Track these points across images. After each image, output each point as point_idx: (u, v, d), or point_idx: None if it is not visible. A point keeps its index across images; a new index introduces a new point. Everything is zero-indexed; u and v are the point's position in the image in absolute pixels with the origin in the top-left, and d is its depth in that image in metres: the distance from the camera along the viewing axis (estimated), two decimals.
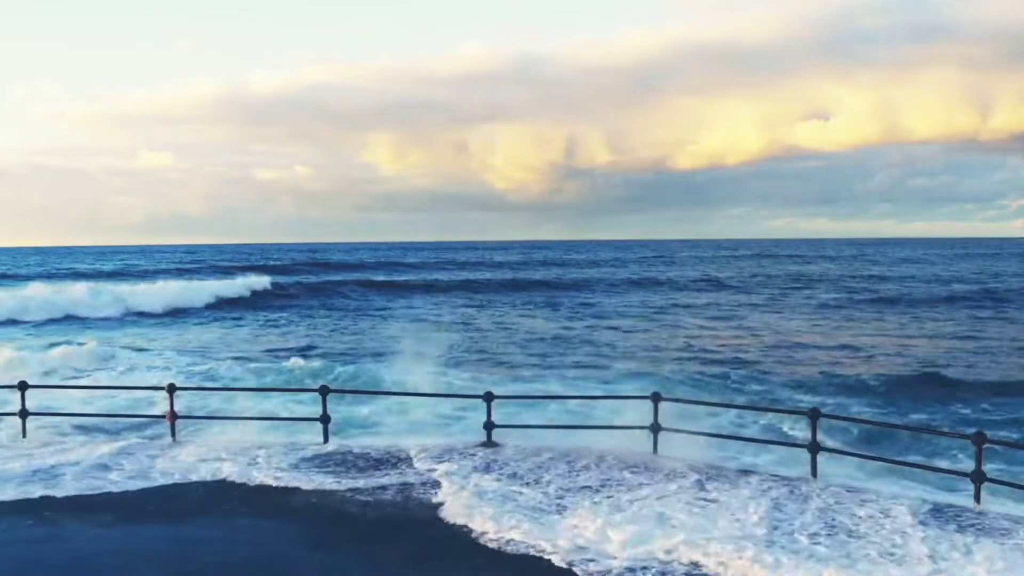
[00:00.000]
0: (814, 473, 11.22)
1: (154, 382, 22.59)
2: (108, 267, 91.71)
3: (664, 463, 11.95)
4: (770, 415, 17.93)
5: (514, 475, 11.36)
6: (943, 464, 13.89)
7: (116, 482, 11.08)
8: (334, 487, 10.78)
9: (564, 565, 8.52)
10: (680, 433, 13.87)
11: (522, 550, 8.91)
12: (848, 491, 11.14)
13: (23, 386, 14.21)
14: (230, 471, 11.52)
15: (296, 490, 10.65)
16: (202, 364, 28.19)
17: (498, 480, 11.19)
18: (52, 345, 30.93)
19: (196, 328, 40.46)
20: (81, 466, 11.92)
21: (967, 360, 28.96)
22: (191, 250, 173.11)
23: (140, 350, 31.78)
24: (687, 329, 39.54)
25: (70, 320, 42.30)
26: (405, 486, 10.70)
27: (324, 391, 13.50)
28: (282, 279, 62.32)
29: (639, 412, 15.28)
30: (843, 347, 32.69)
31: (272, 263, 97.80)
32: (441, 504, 9.93)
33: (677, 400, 15.41)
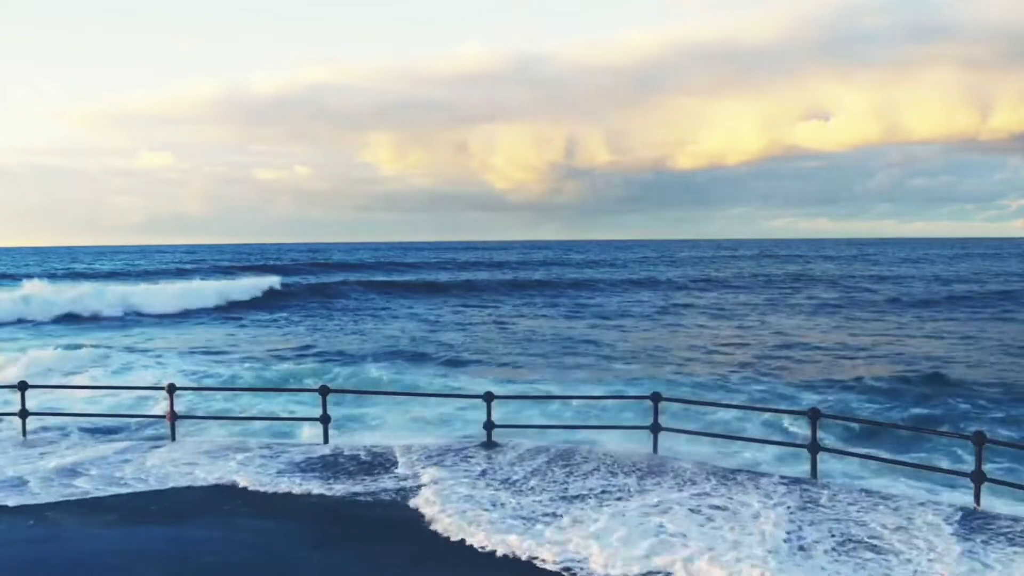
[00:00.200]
0: (814, 473, 11.20)
1: (155, 382, 22.57)
2: (112, 267, 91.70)
3: (666, 465, 11.72)
4: (770, 414, 17.94)
5: (511, 480, 11.07)
6: (944, 463, 13.89)
7: (116, 482, 11.07)
8: (333, 488, 10.76)
9: None
10: (681, 433, 13.88)
11: (517, 556, 8.65)
12: (865, 494, 10.74)
13: (23, 386, 14.20)
14: (230, 471, 11.51)
15: (294, 490, 10.64)
16: (210, 366, 28.19)
17: (493, 484, 10.89)
18: (71, 346, 30.93)
19: (203, 328, 40.45)
20: (81, 466, 11.91)
21: (968, 359, 28.94)
22: (191, 250, 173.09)
23: (145, 351, 31.77)
24: (687, 328, 39.52)
25: (74, 321, 42.21)
26: (403, 487, 10.66)
27: (324, 391, 13.49)
28: (287, 279, 62.27)
29: (640, 412, 15.26)
30: (844, 346, 32.69)
31: (274, 263, 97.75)
32: (436, 507, 9.82)
33: (677, 400, 15.43)
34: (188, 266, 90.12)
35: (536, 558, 8.55)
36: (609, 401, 19.59)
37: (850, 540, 8.88)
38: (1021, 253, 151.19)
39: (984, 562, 8.41)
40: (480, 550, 8.72)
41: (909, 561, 8.38)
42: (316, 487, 10.78)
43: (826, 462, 13.65)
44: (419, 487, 10.58)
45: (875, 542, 8.84)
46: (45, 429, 16.28)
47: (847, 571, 8.18)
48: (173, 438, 13.94)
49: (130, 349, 32.00)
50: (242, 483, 10.96)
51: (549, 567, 8.40)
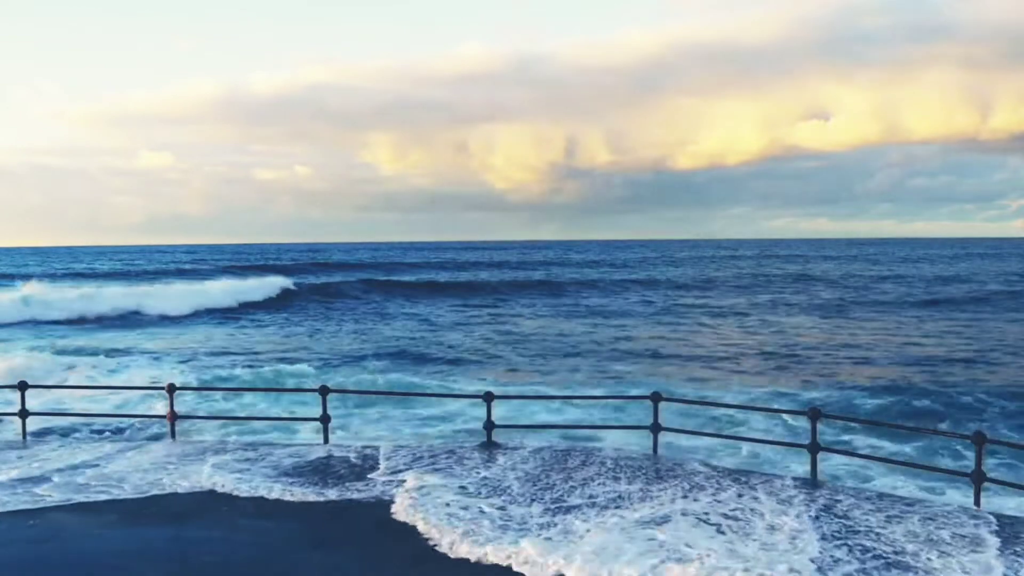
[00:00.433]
0: (814, 473, 11.19)
1: (155, 382, 22.57)
2: (115, 267, 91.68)
3: (668, 468, 11.42)
4: (771, 413, 17.95)
5: (505, 486, 10.54)
6: (950, 463, 13.89)
7: (116, 482, 11.07)
8: (332, 488, 10.75)
9: None
10: (682, 433, 13.87)
11: (510, 566, 8.20)
12: (882, 499, 10.15)
13: (23, 386, 14.19)
14: (230, 471, 11.51)
15: (293, 491, 10.63)
16: (211, 367, 28.20)
17: (487, 490, 10.41)
18: (73, 348, 30.92)
19: (205, 329, 40.45)
20: (81, 466, 11.91)
21: (969, 359, 28.93)
22: (191, 250, 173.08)
23: (147, 352, 31.77)
24: (688, 328, 39.52)
25: (79, 322, 42.08)
26: (399, 489, 10.54)
27: (324, 391, 13.48)
28: (286, 279, 62.27)
29: (640, 412, 15.25)
30: (844, 345, 32.70)
31: (274, 263, 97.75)
32: (427, 511, 9.46)
33: (677, 400, 15.43)
34: (187, 266, 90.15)
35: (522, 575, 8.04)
36: (609, 401, 19.62)
37: (881, 557, 8.06)
38: (1022, 253, 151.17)
39: None
40: (469, 560, 8.36)
41: None
42: (316, 488, 10.77)
43: (830, 460, 13.67)
44: (415, 490, 10.43)
45: (908, 560, 8.00)
46: (46, 429, 16.30)
47: None
48: (173, 438, 13.95)
49: (133, 350, 32.00)
50: (241, 483, 10.95)
51: None
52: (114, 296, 48.06)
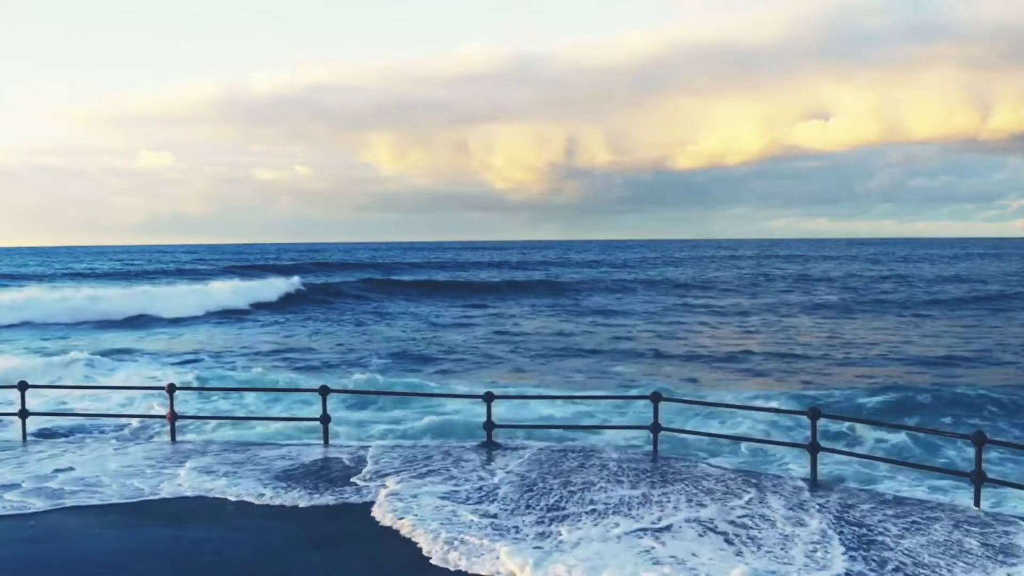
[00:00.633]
0: (814, 473, 11.17)
1: (157, 383, 22.55)
2: (119, 268, 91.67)
3: (669, 470, 11.20)
4: (771, 413, 17.94)
5: (500, 493, 10.11)
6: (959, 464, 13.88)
7: (116, 482, 11.06)
8: (331, 489, 10.74)
9: None
10: (683, 434, 13.87)
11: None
12: (908, 504, 9.69)
13: (23, 386, 14.19)
14: (229, 471, 11.51)
15: (292, 491, 10.62)
16: (212, 368, 28.21)
17: (482, 494, 10.08)
18: (73, 349, 30.93)
19: (207, 331, 40.45)
20: (81, 466, 11.90)
21: (970, 358, 28.93)
22: (190, 250, 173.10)
23: (150, 352, 31.78)
24: (688, 328, 39.52)
25: (84, 324, 41.98)
26: (395, 491, 10.38)
27: (324, 391, 13.47)
28: (286, 279, 62.24)
29: (641, 411, 15.23)
30: (845, 345, 32.69)
31: (274, 263, 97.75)
32: (419, 515, 9.17)
33: (678, 400, 15.43)
34: (187, 266, 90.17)
35: None
36: (610, 400, 19.61)
37: None
38: (1022, 253, 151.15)
39: None
40: (463, 571, 7.95)
41: None
42: (313, 489, 10.76)
43: (833, 459, 13.66)
44: (409, 493, 10.21)
45: None
46: (47, 429, 16.30)
47: None
48: (173, 439, 13.94)
49: (138, 351, 32.01)
50: (239, 485, 10.94)
51: None
52: (117, 297, 48.04)
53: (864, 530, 8.69)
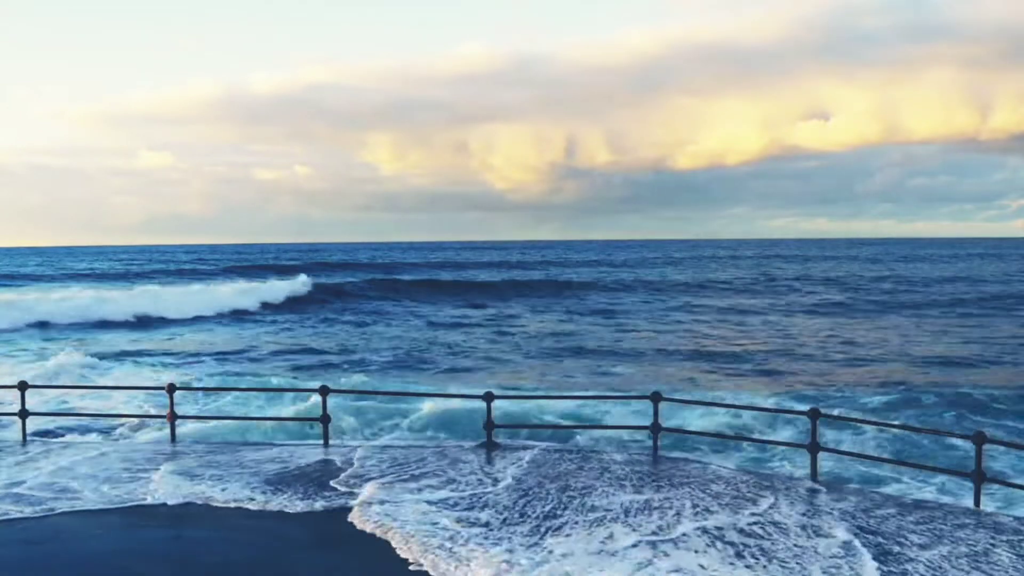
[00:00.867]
0: (814, 473, 11.16)
1: (157, 384, 22.55)
2: (124, 269, 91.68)
3: (671, 472, 10.98)
4: (771, 413, 17.94)
5: (494, 500, 9.65)
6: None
7: (116, 482, 11.06)
8: (330, 490, 10.73)
9: None
10: (683, 434, 13.87)
11: None
12: (927, 509, 9.34)
13: (23, 386, 14.18)
14: (229, 471, 11.50)
15: (292, 491, 10.62)
16: (214, 368, 28.23)
17: (474, 500, 9.64)
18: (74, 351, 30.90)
19: (208, 332, 40.44)
20: (81, 467, 11.90)
21: (970, 358, 28.92)
22: (190, 250, 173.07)
23: (153, 353, 31.78)
24: (688, 328, 39.52)
25: (85, 325, 41.88)
26: (393, 493, 10.30)
27: (324, 391, 13.45)
28: (286, 279, 62.22)
29: (641, 412, 15.21)
30: (845, 345, 32.69)
31: (274, 263, 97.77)
32: (404, 520, 8.84)
33: (678, 400, 15.42)
34: (187, 266, 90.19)
35: None
36: (610, 400, 19.61)
37: None
38: (1022, 253, 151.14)
39: None
40: None
41: None
42: (315, 489, 10.75)
43: (836, 459, 13.67)
44: (401, 498, 9.95)
45: None
46: (47, 429, 16.31)
47: None
48: (173, 439, 13.93)
49: (142, 353, 32.02)
50: (241, 484, 10.93)
51: None
52: (122, 298, 47.98)
53: (895, 545, 7.99)
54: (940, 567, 7.47)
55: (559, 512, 9.18)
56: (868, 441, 16.31)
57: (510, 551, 7.90)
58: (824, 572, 7.28)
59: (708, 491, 9.94)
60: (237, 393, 20.50)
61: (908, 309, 48.50)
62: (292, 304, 51.54)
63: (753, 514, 8.93)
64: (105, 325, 41.31)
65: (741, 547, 7.87)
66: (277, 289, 54.75)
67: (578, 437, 16.46)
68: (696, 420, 17.33)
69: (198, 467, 11.76)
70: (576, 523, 8.77)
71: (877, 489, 11.54)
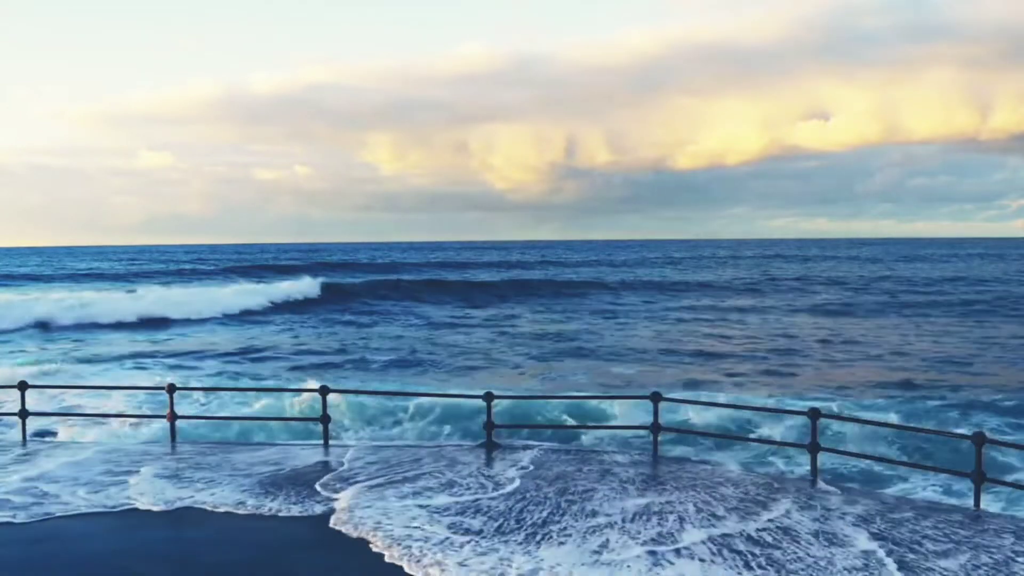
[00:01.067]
0: (814, 473, 11.14)
1: (159, 384, 22.54)
2: (126, 269, 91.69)
3: (672, 474, 10.83)
4: (772, 413, 17.93)
5: (492, 507, 9.33)
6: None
7: (116, 482, 11.05)
8: (329, 490, 10.72)
9: None
10: (683, 433, 13.86)
11: None
12: (942, 511, 9.06)
13: (23, 386, 14.17)
14: (230, 472, 11.49)
15: (291, 491, 10.61)
16: (214, 368, 28.23)
17: (470, 508, 9.30)
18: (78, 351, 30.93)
19: (208, 333, 40.44)
20: (81, 467, 11.89)
21: (971, 358, 28.90)
22: (190, 250, 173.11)
23: (157, 354, 31.78)
24: (688, 328, 39.51)
25: (87, 326, 41.81)
26: (389, 494, 10.22)
27: (324, 391, 13.43)
28: (287, 279, 62.20)
29: (641, 412, 15.19)
30: (846, 344, 32.68)
31: (275, 263, 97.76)
32: (394, 526, 8.73)
33: (678, 400, 15.41)
34: (187, 266, 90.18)
35: None
36: (610, 400, 19.61)
37: None
38: (1022, 253, 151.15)
39: None
40: None
41: None
42: (314, 489, 10.74)
43: (837, 459, 13.66)
44: (397, 501, 9.78)
45: None
46: (47, 430, 16.30)
47: None
48: (173, 439, 13.92)
49: (144, 353, 32.02)
50: (242, 484, 10.93)
51: None
52: (124, 300, 48.00)
53: (922, 558, 7.47)
54: None
55: (558, 517, 8.95)
56: (868, 440, 16.30)
57: (504, 559, 7.72)
58: None
59: (713, 494, 9.64)
60: (237, 393, 20.51)
61: (908, 309, 48.49)
62: (292, 304, 51.55)
63: (763, 520, 8.58)
64: (105, 325, 41.30)
65: (749, 559, 7.51)
66: (284, 290, 54.65)
67: (579, 437, 16.46)
68: (697, 419, 17.32)
69: (196, 467, 11.74)
70: (579, 531, 8.48)
71: (882, 489, 11.52)
